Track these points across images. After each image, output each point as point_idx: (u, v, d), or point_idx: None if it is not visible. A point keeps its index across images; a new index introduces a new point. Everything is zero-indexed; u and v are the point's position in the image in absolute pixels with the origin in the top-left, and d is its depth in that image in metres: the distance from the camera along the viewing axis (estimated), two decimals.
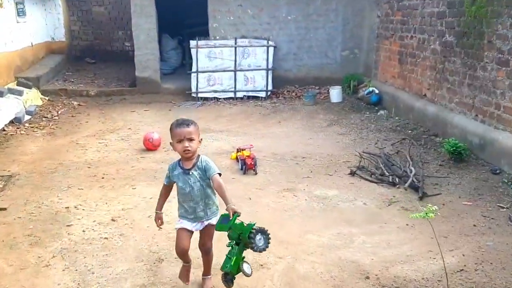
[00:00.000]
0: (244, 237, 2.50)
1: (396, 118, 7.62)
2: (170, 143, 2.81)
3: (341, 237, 3.86)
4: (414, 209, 4.36)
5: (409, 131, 6.93)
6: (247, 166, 5.32)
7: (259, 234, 2.50)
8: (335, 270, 3.36)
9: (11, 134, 6.92)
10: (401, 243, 3.76)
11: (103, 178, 5.24)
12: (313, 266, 3.40)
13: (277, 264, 3.43)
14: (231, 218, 2.51)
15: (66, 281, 3.24)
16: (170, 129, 2.78)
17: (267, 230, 2.55)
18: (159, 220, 2.98)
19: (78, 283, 3.21)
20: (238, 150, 5.77)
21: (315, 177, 5.24)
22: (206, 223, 2.86)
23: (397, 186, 4.91)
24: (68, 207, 4.44)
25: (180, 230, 2.87)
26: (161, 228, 3.04)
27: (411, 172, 5.09)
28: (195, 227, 2.88)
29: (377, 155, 5.78)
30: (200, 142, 2.78)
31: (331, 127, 7.42)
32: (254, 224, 2.56)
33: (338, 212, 4.36)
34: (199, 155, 2.79)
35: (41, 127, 7.36)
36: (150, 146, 6.19)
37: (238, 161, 5.62)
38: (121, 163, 5.74)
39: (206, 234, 2.91)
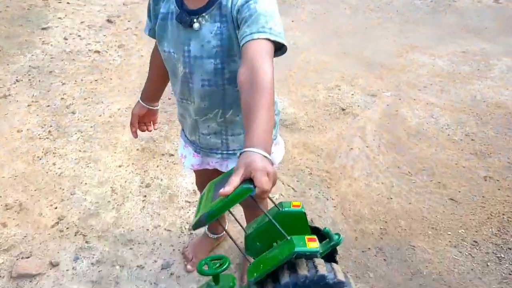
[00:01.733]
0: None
1: None
2: None
3: (468, 59, 2.41)
4: None
5: None
6: None
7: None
8: (470, 121, 1.99)
9: None
10: None
11: None
12: (432, 113, 2.04)
13: (369, 107, 2.07)
14: (226, 190, 0.62)
15: (30, 125, 2.05)
16: None
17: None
18: (133, 125, 1.25)
19: (49, 131, 2.02)
20: None
21: None
22: (228, 165, 1.13)
23: None
24: None
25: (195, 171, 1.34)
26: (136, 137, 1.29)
27: None
28: (206, 162, 1.18)
29: None
30: None
31: None
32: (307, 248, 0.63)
33: (456, 14, 2.83)
34: None
35: None
36: None
37: None
38: None
39: None
